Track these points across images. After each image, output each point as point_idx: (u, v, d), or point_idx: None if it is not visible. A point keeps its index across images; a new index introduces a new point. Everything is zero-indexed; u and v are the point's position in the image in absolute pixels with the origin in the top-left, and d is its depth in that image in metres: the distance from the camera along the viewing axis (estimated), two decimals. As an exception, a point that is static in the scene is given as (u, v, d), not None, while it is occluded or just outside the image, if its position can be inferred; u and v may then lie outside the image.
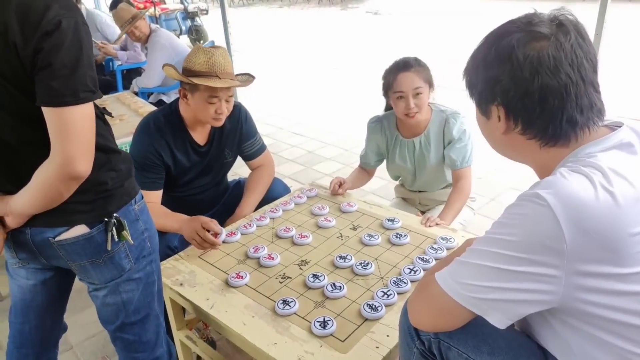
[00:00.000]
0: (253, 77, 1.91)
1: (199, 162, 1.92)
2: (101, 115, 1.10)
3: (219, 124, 1.82)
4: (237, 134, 1.99)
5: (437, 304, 0.88)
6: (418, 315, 0.94)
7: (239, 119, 1.98)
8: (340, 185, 1.99)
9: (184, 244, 1.73)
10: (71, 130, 0.93)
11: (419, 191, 2.18)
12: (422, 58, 1.91)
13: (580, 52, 0.79)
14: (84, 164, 0.97)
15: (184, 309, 1.62)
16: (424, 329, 0.94)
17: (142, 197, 1.21)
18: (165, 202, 1.85)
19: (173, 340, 1.61)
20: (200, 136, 1.89)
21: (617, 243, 0.71)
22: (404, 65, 1.86)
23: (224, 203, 2.11)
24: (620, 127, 0.84)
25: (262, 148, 2.09)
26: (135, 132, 1.82)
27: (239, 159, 2.10)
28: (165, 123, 1.81)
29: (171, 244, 1.75)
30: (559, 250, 0.72)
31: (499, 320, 0.80)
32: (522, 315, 0.81)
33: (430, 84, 1.88)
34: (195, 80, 1.70)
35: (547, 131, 0.82)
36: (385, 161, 2.18)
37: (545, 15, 0.82)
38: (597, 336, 0.76)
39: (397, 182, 2.33)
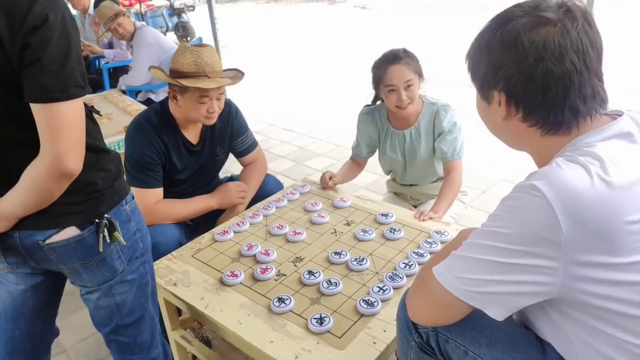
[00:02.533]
0: (242, 73, 1.88)
1: (193, 161, 1.90)
2: (90, 114, 1.08)
3: (212, 122, 1.80)
4: (228, 131, 1.97)
5: (435, 298, 0.88)
6: (417, 310, 0.94)
7: (230, 115, 1.96)
8: (330, 178, 1.98)
9: (191, 240, 1.73)
10: (61, 127, 0.91)
11: (410, 185, 2.19)
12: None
13: (586, 39, 0.77)
14: (75, 161, 0.95)
15: (178, 309, 1.60)
16: (423, 324, 0.94)
17: (133, 198, 1.20)
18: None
19: (168, 341, 1.60)
20: (192, 135, 1.87)
21: (613, 233, 0.71)
22: (393, 58, 1.85)
23: None
24: (620, 115, 0.83)
25: (254, 144, 2.07)
26: (129, 133, 1.80)
27: (231, 156, 2.08)
28: (158, 121, 1.79)
29: (182, 240, 1.74)
30: (556, 242, 0.71)
31: (498, 312, 0.80)
32: (520, 307, 0.81)
33: (420, 74, 1.88)
34: (185, 82, 1.67)
35: (548, 119, 0.81)
36: (377, 154, 2.18)
37: (552, 0, 0.80)
38: (595, 326, 0.76)
39: (388, 177, 2.33)
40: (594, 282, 0.73)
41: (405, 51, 1.87)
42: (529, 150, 0.90)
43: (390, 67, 1.84)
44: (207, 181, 2.04)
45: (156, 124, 1.78)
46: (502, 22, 0.81)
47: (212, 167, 2.02)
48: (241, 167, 2.10)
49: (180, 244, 1.71)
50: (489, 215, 0.82)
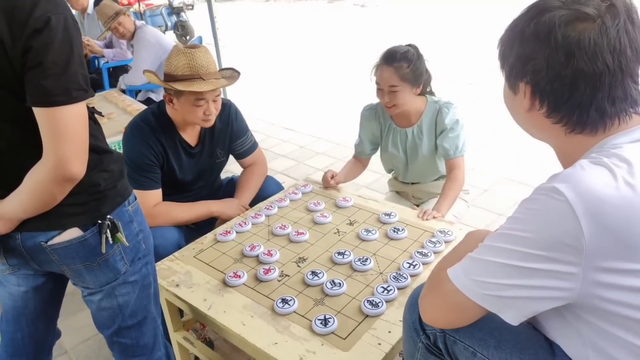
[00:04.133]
0: (238, 73, 1.86)
1: (192, 163, 1.88)
2: (91, 114, 1.07)
3: (209, 124, 1.79)
4: (228, 133, 1.95)
5: (450, 301, 0.86)
6: (430, 312, 0.92)
7: (229, 117, 1.94)
8: (332, 177, 1.97)
9: (190, 242, 1.72)
10: (64, 131, 0.90)
11: (412, 183, 2.18)
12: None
13: (625, 39, 0.73)
14: (78, 165, 0.94)
15: (180, 310, 1.59)
16: (437, 326, 0.93)
17: (136, 198, 1.18)
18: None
19: (170, 342, 1.59)
20: (190, 137, 1.86)
21: (635, 239, 0.69)
22: (387, 58, 1.84)
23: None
24: None
25: (254, 146, 2.06)
26: (126, 134, 1.78)
27: (231, 157, 2.07)
28: (155, 123, 1.77)
29: (181, 243, 1.73)
30: (578, 248, 0.69)
31: (513, 317, 0.79)
32: (537, 312, 0.79)
33: (411, 82, 1.84)
34: (178, 86, 1.64)
35: (572, 118, 0.78)
36: (379, 151, 2.17)
37: None
38: (609, 331, 0.75)
39: (390, 176, 2.32)
40: (612, 288, 0.71)
41: (404, 54, 1.82)
42: (553, 146, 0.87)
43: (381, 67, 1.85)
44: (210, 184, 2.02)
45: (154, 125, 1.76)
46: (538, 12, 0.77)
47: (213, 170, 2.00)
48: (241, 168, 2.09)
49: (180, 247, 1.69)
50: (508, 217, 0.80)
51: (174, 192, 1.88)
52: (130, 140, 1.76)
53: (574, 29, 0.73)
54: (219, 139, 1.93)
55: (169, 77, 1.69)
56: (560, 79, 0.75)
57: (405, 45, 1.88)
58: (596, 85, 0.74)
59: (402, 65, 1.81)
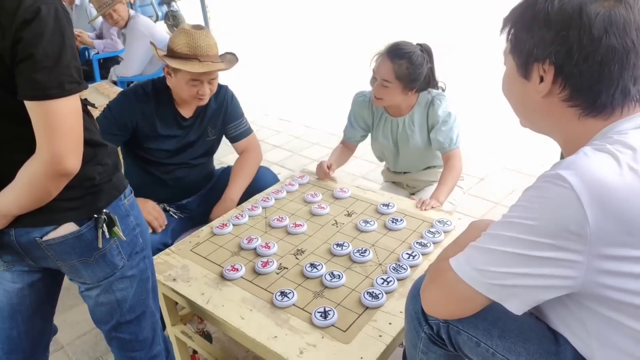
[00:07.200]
0: (236, 58, 1.86)
1: (180, 134, 1.89)
2: (84, 107, 1.04)
3: (202, 103, 1.82)
4: (222, 114, 1.97)
5: (453, 291, 0.85)
6: (433, 303, 0.91)
7: (225, 99, 1.96)
8: (329, 168, 1.96)
9: (176, 240, 1.70)
10: (58, 125, 0.88)
11: (404, 172, 2.18)
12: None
13: None
14: (74, 160, 0.92)
15: (177, 303, 1.58)
16: (439, 317, 0.92)
17: (132, 192, 1.17)
18: (148, 183, 1.87)
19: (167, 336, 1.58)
20: (185, 110, 1.88)
21: (639, 226, 0.68)
22: (390, 52, 1.82)
23: (211, 189, 2.07)
24: None
25: (248, 131, 2.06)
26: (123, 91, 1.86)
27: (229, 148, 2.05)
28: (152, 89, 1.82)
29: (166, 241, 1.71)
30: (582, 235, 0.69)
31: (517, 306, 0.78)
32: (540, 301, 0.78)
33: (405, 83, 1.82)
34: (173, 64, 1.68)
35: (596, 99, 0.76)
36: (370, 139, 2.17)
37: None
38: (613, 318, 0.74)
39: (383, 167, 2.32)
40: (616, 275, 0.70)
41: (409, 53, 1.79)
42: (558, 134, 0.85)
43: (382, 58, 1.84)
44: (188, 160, 1.97)
45: (149, 90, 1.81)
46: None
47: (200, 146, 1.97)
48: (236, 159, 2.07)
49: (166, 246, 1.68)
50: (511, 205, 0.79)
51: (150, 164, 1.88)
52: (120, 97, 1.82)
53: (602, 6, 0.72)
54: (211, 117, 1.94)
55: (169, 52, 1.73)
56: (590, 58, 0.73)
57: (415, 45, 1.86)
58: (623, 63, 0.73)
59: (402, 64, 1.79)
